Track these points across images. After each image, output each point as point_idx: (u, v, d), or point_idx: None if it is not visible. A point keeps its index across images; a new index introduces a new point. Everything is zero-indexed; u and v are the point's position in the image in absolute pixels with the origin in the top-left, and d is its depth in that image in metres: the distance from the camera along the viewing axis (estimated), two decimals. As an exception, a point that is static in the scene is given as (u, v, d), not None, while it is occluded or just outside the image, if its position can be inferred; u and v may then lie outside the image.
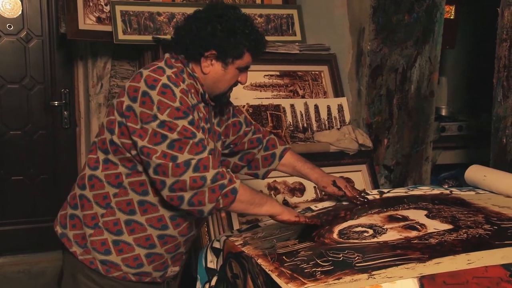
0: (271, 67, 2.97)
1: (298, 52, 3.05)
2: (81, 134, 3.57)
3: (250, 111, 2.79)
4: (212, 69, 1.72)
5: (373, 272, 1.28)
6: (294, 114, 2.89)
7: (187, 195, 1.56)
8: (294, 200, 2.58)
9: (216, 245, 1.75)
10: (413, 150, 3.06)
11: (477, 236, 1.48)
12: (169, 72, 1.64)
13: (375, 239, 1.52)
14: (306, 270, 1.34)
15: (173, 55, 1.73)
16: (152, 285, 1.79)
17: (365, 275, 1.27)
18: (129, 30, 2.99)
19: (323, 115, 2.94)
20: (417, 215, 1.69)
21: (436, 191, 2.05)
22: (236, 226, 2.43)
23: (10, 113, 3.50)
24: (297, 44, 3.15)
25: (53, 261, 3.47)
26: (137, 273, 1.73)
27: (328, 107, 2.96)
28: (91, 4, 3.06)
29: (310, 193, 2.69)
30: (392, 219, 1.68)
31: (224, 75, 1.73)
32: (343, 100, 3.00)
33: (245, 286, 1.52)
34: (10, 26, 3.44)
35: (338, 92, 3.04)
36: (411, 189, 2.10)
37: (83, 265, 1.71)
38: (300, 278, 1.30)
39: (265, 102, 2.86)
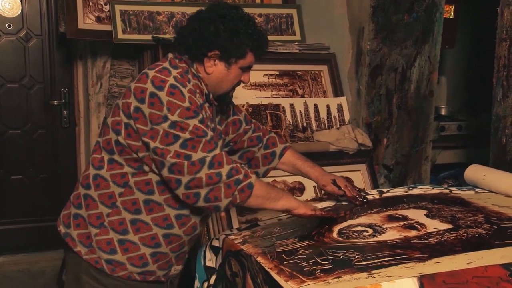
0: (270, 67, 2.97)
1: (297, 51, 3.05)
2: (80, 134, 3.57)
3: (250, 110, 2.79)
4: (215, 69, 1.72)
5: (373, 271, 1.28)
6: (294, 114, 2.89)
7: (203, 192, 1.58)
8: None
9: (215, 243, 1.75)
10: (412, 150, 3.07)
11: (476, 235, 1.48)
12: (174, 72, 1.65)
13: (375, 239, 1.52)
14: (305, 269, 1.35)
15: (176, 55, 1.74)
16: (156, 284, 1.80)
17: (364, 274, 1.27)
18: (128, 29, 2.99)
19: (323, 114, 2.94)
20: (417, 214, 1.69)
21: (436, 190, 2.05)
22: (235, 225, 2.43)
23: (9, 112, 3.50)
24: (296, 43, 3.15)
25: (53, 261, 3.47)
26: (142, 272, 1.73)
27: (328, 107, 2.96)
28: (90, 3, 3.06)
29: (309, 193, 2.69)
30: (391, 218, 1.68)
31: (227, 75, 1.74)
32: (342, 100, 3.00)
33: (245, 285, 1.52)
34: (9, 26, 3.43)
35: (337, 91, 3.04)
36: (410, 188, 2.10)
37: (88, 265, 1.71)
38: (300, 276, 1.30)
39: (265, 101, 2.86)
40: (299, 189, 2.68)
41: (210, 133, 1.62)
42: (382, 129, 2.97)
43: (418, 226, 1.58)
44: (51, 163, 3.63)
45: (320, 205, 2.03)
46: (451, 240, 1.45)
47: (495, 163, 2.33)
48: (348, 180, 1.98)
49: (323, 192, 2.62)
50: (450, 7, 3.89)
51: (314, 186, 2.66)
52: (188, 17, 1.80)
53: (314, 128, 2.90)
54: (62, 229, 1.77)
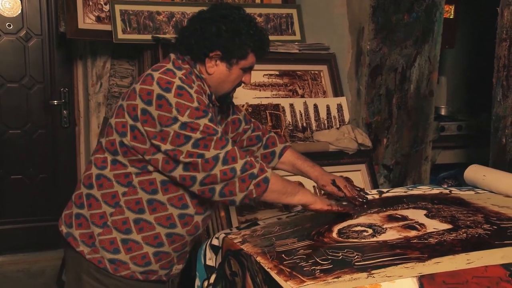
0: (270, 67, 2.97)
1: (297, 51, 3.05)
2: (80, 133, 3.58)
3: (250, 110, 2.79)
4: (216, 70, 1.73)
5: (373, 271, 1.28)
6: (294, 114, 2.89)
7: (218, 187, 1.61)
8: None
9: (215, 242, 1.75)
10: (412, 150, 3.06)
11: (476, 235, 1.48)
12: (179, 74, 1.65)
13: (375, 239, 1.52)
14: (305, 269, 1.34)
15: (179, 56, 1.74)
16: (158, 284, 1.80)
17: (364, 274, 1.27)
18: (128, 29, 2.99)
19: (323, 114, 2.94)
20: (417, 214, 1.69)
21: (436, 190, 2.05)
22: (235, 225, 2.42)
23: (9, 112, 3.50)
24: (296, 43, 3.15)
25: (52, 260, 3.47)
26: (144, 271, 1.73)
27: (328, 107, 2.96)
28: (90, 3, 3.06)
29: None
30: (391, 218, 1.68)
31: (229, 75, 1.75)
32: (342, 100, 3.00)
33: (244, 284, 1.52)
34: (9, 25, 3.43)
35: (337, 91, 3.04)
36: (410, 188, 2.10)
37: (90, 265, 1.71)
38: (300, 276, 1.30)
39: (265, 101, 2.86)
40: (299, 189, 2.68)
41: (220, 130, 1.63)
42: (382, 129, 2.97)
43: (417, 226, 1.58)
44: (51, 163, 3.63)
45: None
46: (451, 240, 1.45)
47: (495, 163, 2.33)
48: (348, 180, 1.98)
49: (322, 192, 2.62)
50: (450, 7, 3.89)
51: (314, 186, 2.66)
52: (189, 17, 1.81)
53: (314, 128, 2.90)
54: (64, 229, 1.77)
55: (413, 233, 1.53)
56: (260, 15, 3.24)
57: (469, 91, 4.34)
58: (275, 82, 2.98)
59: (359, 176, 2.82)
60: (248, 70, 1.78)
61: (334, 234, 1.59)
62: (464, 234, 1.49)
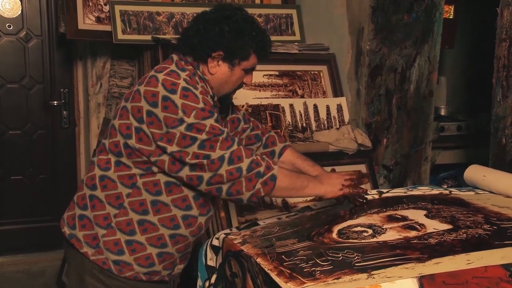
0: (270, 67, 2.97)
1: (297, 52, 3.05)
2: (80, 134, 3.58)
3: (249, 110, 2.79)
4: (218, 70, 1.73)
5: (373, 272, 1.28)
6: (293, 114, 2.89)
7: (224, 186, 1.63)
8: (293, 199, 2.58)
9: (215, 243, 1.75)
10: (412, 150, 3.07)
11: (476, 236, 1.48)
12: (183, 75, 1.66)
13: (375, 239, 1.52)
14: (305, 270, 1.34)
15: (181, 57, 1.74)
16: (161, 284, 1.81)
17: (364, 275, 1.27)
18: (128, 30, 2.99)
19: (322, 115, 2.94)
20: (417, 215, 1.69)
21: (436, 191, 2.05)
22: (235, 225, 2.42)
23: (9, 112, 3.50)
24: (296, 44, 3.15)
25: (52, 261, 3.47)
26: (148, 272, 1.74)
27: (327, 107, 2.96)
28: (90, 4, 3.06)
29: (309, 193, 2.68)
30: (391, 219, 1.68)
31: (231, 76, 1.75)
32: (342, 100, 3.00)
33: (245, 285, 1.52)
34: (9, 26, 3.44)
35: (337, 92, 3.04)
36: (410, 189, 2.10)
37: (94, 266, 1.72)
38: (300, 278, 1.30)
39: (264, 102, 2.86)
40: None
41: (226, 130, 1.64)
42: (382, 130, 2.97)
43: (417, 226, 1.58)
44: (51, 163, 3.63)
45: (320, 204, 2.04)
46: (451, 241, 1.45)
47: (495, 164, 2.33)
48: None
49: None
50: (450, 7, 3.89)
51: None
52: (192, 18, 1.82)
53: (313, 128, 2.90)
54: (66, 230, 1.77)
55: (413, 233, 1.53)
56: (260, 15, 3.24)
57: (469, 91, 4.34)
58: (275, 83, 2.99)
59: (359, 176, 2.82)
60: (249, 71, 1.79)
61: (334, 235, 1.59)
62: (464, 234, 1.49)
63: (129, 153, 1.66)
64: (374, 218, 1.70)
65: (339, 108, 2.98)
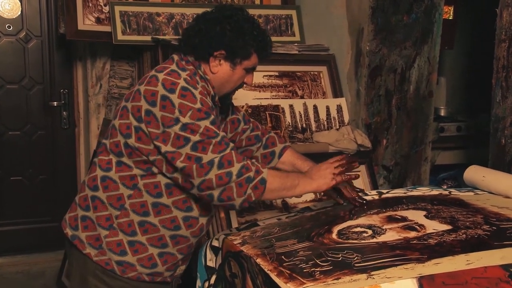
0: (270, 68, 2.97)
1: (297, 52, 3.05)
2: (80, 135, 3.58)
3: (249, 111, 2.79)
4: (220, 69, 1.74)
5: (372, 272, 1.28)
6: (293, 115, 2.89)
7: (216, 193, 1.60)
8: (292, 200, 2.58)
9: (215, 243, 1.76)
10: (412, 151, 3.07)
11: (476, 236, 1.48)
12: (184, 75, 1.66)
13: (374, 240, 1.52)
14: (305, 270, 1.34)
15: (182, 57, 1.75)
16: (163, 285, 1.82)
17: (364, 275, 1.27)
18: (128, 30, 2.99)
19: (322, 115, 2.94)
20: (416, 215, 1.69)
21: (435, 191, 2.05)
22: (235, 225, 2.42)
23: (9, 113, 3.50)
24: (296, 44, 3.15)
25: (52, 262, 3.47)
26: (151, 273, 1.74)
27: (327, 108, 2.96)
28: (90, 4, 3.06)
29: (308, 193, 2.68)
30: (391, 219, 1.68)
31: (232, 75, 1.76)
32: (342, 101, 3.00)
33: (244, 286, 1.52)
34: (9, 27, 3.44)
35: (337, 92, 3.05)
36: (410, 190, 2.10)
37: (97, 267, 1.72)
38: (299, 278, 1.30)
39: (264, 102, 2.87)
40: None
41: (221, 133, 1.63)
42: (382, 130, 2.97)
43: (417, 227, 1.58)
44: (51, 164, 3.63)
45: (319, 205, 2.04)
46: (451, 241, 1.45)
47: (494, 164, 2.33)
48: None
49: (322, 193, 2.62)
50: (449, 8, 3.90)
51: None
52: (194, 18, 1.82)
53: (313, 129, 2.91)
54: (69, 231, 1.77)
55: (412, 234, 1.53)
56: (259, 16, 3.24)
57: (469, 92, 4.34)
58: (275, 83, 2.99)
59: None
60: (250, 70, 1.80)
61: (334, 235, 1.59)
62: (464, 235, 1.49)
63: (130, 153, 1.66)
64: (374, 219, 1.70)
65: (339, 108, 2.98)
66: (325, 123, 2.93)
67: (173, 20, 3.08)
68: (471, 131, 3.88)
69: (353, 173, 1.89)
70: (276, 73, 3.01)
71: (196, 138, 1.58)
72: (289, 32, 3.31)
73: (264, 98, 2.91)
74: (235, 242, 1.64)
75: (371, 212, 1.78)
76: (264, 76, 2.97)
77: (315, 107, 2.94)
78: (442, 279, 1.23)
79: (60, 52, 3.55)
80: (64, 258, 3.15)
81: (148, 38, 2.97)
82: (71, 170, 3.61)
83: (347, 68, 3.04)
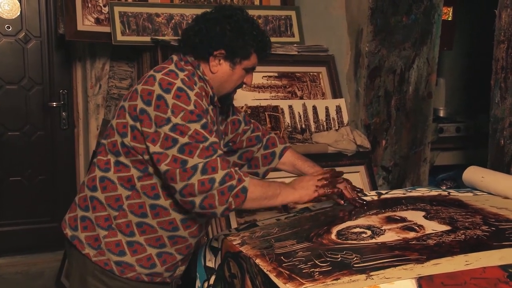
0: (269, 68, 2.97)
1: (296, 53, 3.05)
2: (79, 135, 3.58)
3: (249, 112, 2.79)
4: (220, 69, 1.74)
5: (371, 273, 1.28)
6: (292, 115, 2.90)
7: (197, 200, 1.57)
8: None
9: (214, 244, 1.76)
10: (411, 151, 3.07)
11: (475, 237, 1.49)
12: (181, 75, 1.66)
13: (373, 240, 1.52)
14: (304, 271, 1.35)
15: (181, 58, 1.75)
16: (163, 286, 1.81)
17: (363, 276, 1.27)
18: (127, 31, 2.99)
19: (321, 116, 2.95)
20: (415, 216, 1.69)
21: (434, 192, 2.05)
22: (234, 225, 2.43)
23: (8, 114, 3.50)
24: (295, 45, 3.15)
25: (51, 262, 3.47)
26: (150, 273, 1.74)
27: (326, 108, 2.97)
28: (89, 5, 3.06)
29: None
30: (390, 220, 1.68)
31: (232, 75, 1.76)
32: (341, 101, 3.00)
33: (243, 286, 1.52)
34: (8, 27, 3.44)
35: (336, 93, 3.05)
36: (409, 190, 2.11)
37: (96, 267, 1.72)
38: (298, 279, 1.30)
39: (264, 103, 2.87)
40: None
41: (211, 139, 1.60)
42: (381, 131, 2.97)
43: (416, 227, 1.59)
44: (50, 164, 3.63)
45: (319, 205, 2.04)
46: (449, 242, 1.45)
47: (493, 165, 2.33)
48: (346, 181, 1.98)
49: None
50: (449, 9, 3.90)
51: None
52: (193, 18, 1.82)
53: (312, 129, 2.91)
54: (68, 232, 1.77)
55: (411, 234, 1.53)
56: (259, 16, 3.25)
57: (468, 92, 4.35)
58: (274, 84, 2.99)
59: (358, 177, 2.82)
60: (250, 70, 1.80)
61: (333, 236, 1.59)
62: (463, 235, 1.50)
63: (126, 152, 1.66)
64: (373, 219, 1.70)
65: (338, 109, 2.98)
66: (324, 123, 2.93)
67: (173, 21, 3.08)
68: (470, 132, 3.88)
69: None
70: (276, 74, 3.01)
71: (184, 140, 1.57)
72: (289, 32, 3.31)
73: (264, 99, 2.91)
74: (234, 243, 1.64)
75: (370, 213, 1.78)
76: (263, 76, 2.97)
77: (314, 108, 2.95)
78: (441, 280, 1.23)
79: (60, 52, 3.55)
80: (63, 259, 3.15)
81: (148, 38, 2.98)
82: (70, 170, 3.61)
83: (346, 69, 3.04)
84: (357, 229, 1.62)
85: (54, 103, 3.56)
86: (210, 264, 1.77)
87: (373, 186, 2.83)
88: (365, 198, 1.94)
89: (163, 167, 1.58)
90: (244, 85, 1.86)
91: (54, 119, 3.60)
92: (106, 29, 3.03)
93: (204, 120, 1.61)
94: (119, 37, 2.96)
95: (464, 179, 2.12)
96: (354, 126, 2.95)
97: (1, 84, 3.47)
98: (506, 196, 1.92)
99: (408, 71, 2.98)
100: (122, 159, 1.67)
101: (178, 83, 1.62)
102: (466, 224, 1.59)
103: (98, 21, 3.08)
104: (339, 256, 1.41)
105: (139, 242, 1.70)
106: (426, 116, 3.08)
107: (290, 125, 2.87)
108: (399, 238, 1.51)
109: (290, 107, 2.91)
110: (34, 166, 3.60)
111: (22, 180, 3.59)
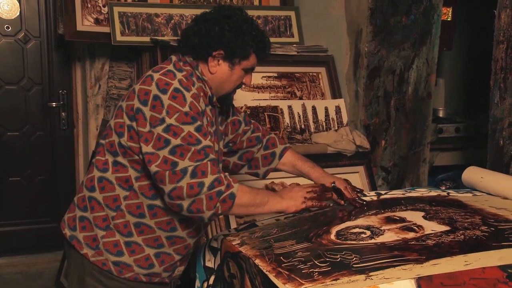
0: (269, 69, 2.97)
1: (295, 53, 3.05)
2: (79, 135, 3.58)
3: (248, 112, 2.79)
4: (219, 69, 1.74)
5: (371, 273, 1.28)
6: (292, 116, 2.90)
7: (185, 203, 1.56)
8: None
9: (214, 244, 1.76)
10: (410, 152, 3.07)
11: (474, 237, 1.49)
12: (179, 75, 1.65)
13: (373, 240, 1.52)
14: (303, 271, 1.35)
15: (180, 58, 1.75)
16: (162, 286, 1.81)
17: (362, 276, 1.27)
18: (127, 31, 2.99)
19: (321, 116, 2.95)
20: (415, 216, 1.70)
21: (434, 192, 2.05)
22: (234, 226, 2.43)
23: (8, 114, 3.50)
24: (294, 45, 3.15)
25: (51, 262, 3.47)
26: (148, 274, 1.74)
27: (326, 109, 2.97)
28: (89, 5, 3.06)
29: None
30: (389, 220, 1.68)
31: (231, 75, 1.76)
32: (340, 102, 3.00)
33: (243, 286, 1.52)
34: (8, 27, 3.44)
35: (335, 93, 3.05)
36: (408, 191, 2.11)
37: (94, 267, 1.72)
38: (298, 279, 1.30)
39: (263, 103, 2.87)
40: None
41: (204, 142, 1.59)
42: (380, 131, 2.97)
43: (415, 228, 1.59)
44: (49, 165, 3.63)
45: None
46: (449, 242, 1.45)
47: (493, 165, 2.33)
48: (346, 181, 1.98)
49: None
50: (448, 9, 3.90)
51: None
52: (192, 19, 1.82)
53: (312, 130, 2.91)
54: (67, 232, 1.77)
55: (411, 234, 1.53)
56: (258, 17, 3.25)
57: (467, 93, 4.35)
58: (274, 84, 2.99)
59: (357, 178, 2.83)
60: (249, 71, 1.80)
61: (332, 236, 1.59)
62: (462, 236, 1.50)
63: (124, 152, 1.66)
64: (372, 220, 1.70)
65: (338, 109, 2.98)
66: (324, 124, 2.94)
67: (172, 21, 3.08)
68: (470, 132, 3.88)
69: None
70: (275, 74, 3.01)
71: (176, 141, 1.57)
72: (288, 33, 3.31)
73: (263, 99, 2.91)
74: (233, 243, 1.64)
75: (370, 213, 1.78)
76: (263, 77, 2.97)
77: (313, 108, 2.95)
78: (440, 280, 1.23)
79: (59, 52, 3.55)
80: (63, 259, 3.15)
81: (147, 39, 2.98)
82: (69, 170, 3.61)
83: (345, 69, 3.04)
84: (357, 230, 1.62)
85: (54, 103, 3.56)
86: (209, 264, 1.77)
87: (373, 187, 2.84)
88: (364, 198, 1.94)
89: (153, 168, 1.57)
90: (243, 86, 1.85)
91: (53, 119, 3.60)
92: (106, 29, 3.03)
93: (198, 123, 1.61)
94: (119, 37, 2.96)
95: (463, 180, 2.12)
96: (354, 126, 2.95)
97: (0, 84, 3.47)
98: (505, 196, 1.92)
99: (408, 72, 2.99)
100: (120, 159, 1.67)
101: (176, 83, 1.62)
102: (465, 224, 1.59)
103: (97, 21, 3.08)
104: (338, 256, 1.41)
105: (137, 243, 1.70)
106: (425, 116, 3.08)
107: (289, 125, 2.87)
108: (398, 238, 1.51)
109: (290, 107, 2.91)
110: (34, 166, 3.60)
111: (21, 180, 3.59)
